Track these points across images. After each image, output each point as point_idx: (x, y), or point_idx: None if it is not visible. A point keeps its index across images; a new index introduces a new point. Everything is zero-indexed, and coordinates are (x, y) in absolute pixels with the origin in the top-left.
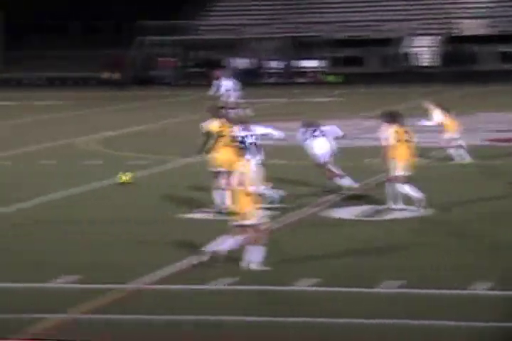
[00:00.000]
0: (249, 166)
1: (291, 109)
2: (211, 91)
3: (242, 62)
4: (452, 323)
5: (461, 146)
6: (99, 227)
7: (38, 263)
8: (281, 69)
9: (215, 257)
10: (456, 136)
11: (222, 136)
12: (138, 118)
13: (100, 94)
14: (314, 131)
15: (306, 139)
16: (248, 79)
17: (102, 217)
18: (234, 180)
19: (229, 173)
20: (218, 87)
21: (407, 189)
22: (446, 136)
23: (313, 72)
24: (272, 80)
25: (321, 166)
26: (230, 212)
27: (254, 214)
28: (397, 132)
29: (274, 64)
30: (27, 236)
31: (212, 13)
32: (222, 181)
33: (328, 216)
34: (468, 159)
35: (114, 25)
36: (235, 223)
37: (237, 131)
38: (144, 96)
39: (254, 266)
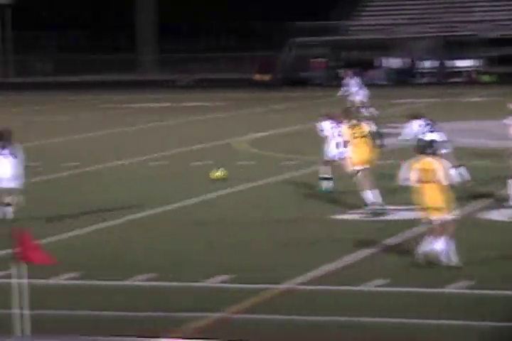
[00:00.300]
0: (436, 162)
1: (445, 108)
2: (341, 92)
3: (395, 62)
4: None
5: None
6: (251, 228)
7: (192, 263)
8: (435, 68)
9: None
10: None
11: (357, 137)
12: (289, 119)
13: (252, 96)
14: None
15: (425, 132)
16: (401, 78)
17: (254, 217)
18: (413, 176)
19: (366, 171)
20: (347, 87)
21: None
22: None
23: (468, 71)
24: (425, 80)
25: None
26: (422, 208)
27: (449, 208)
28: None
29: (427, 64)
30: (181, 236)
31: (364, 13)
32: (365, 180)
33: (481, 217)
34: None
35: (266, 27)
36: (435, 220)
37: (369, 128)
38: (296, 98)
39: (454, 261)
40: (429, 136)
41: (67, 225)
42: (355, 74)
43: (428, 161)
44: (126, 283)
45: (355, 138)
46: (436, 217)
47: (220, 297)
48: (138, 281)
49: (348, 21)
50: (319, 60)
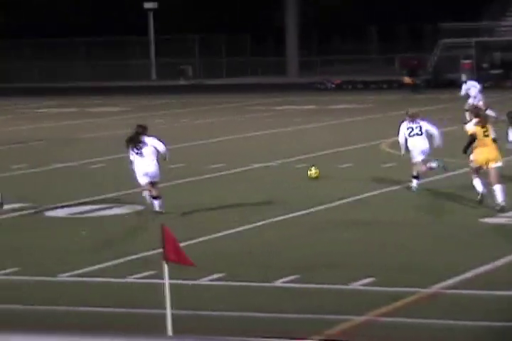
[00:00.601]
0: None
1: None
2: (461, 92)
3: None
4: None
5: None
6: (400, 229)
7: (337, 265)
8: None
9: None
10: None
11: (486, 136)
12: (438, 121)
13: (400, 97)
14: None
15: None
16: None
17: (403, 219)
18: None
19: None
20: (466, 88)
21: None
22: None
23: None
24: None
25: None
26: None
27: None
28: None
29: None
30: (324, 237)
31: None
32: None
33: None
34: None
35: (414, 28)
36: None
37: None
38: (444, 99)
39: None
40: None
41: (211, 227)
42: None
43: None
44: (270, 284)
45: (484, 136)
46: None
47: (364, 299)
48: (281, 283)
49: (500, 22)
50: (467, 61)
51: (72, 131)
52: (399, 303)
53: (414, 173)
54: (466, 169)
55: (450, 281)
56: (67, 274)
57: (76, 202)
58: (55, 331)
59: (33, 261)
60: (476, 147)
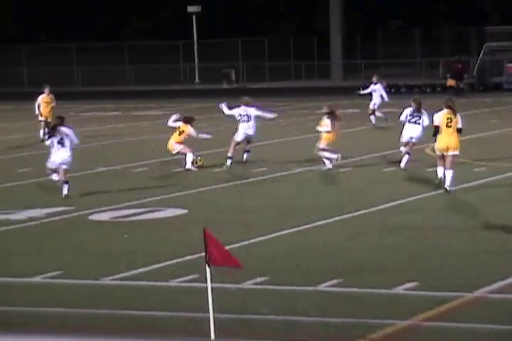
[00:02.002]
0: None
1: None
2: None
3: None
4: None
5: None
6: (442, 233)
7: (380, 269)
8: None
9: None
10: None
11: (449, 126)
12: (483, 125)
13: (443, 101)
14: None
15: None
16: None
17: (444, 223)
18: None
19: None
20: None
21: None
22: None
23: None
24: None
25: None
26: None
27: None
28: None
29: None
30: (367, 241)
31: None
32: None
33: None
34: None
35: (459, 32)
36: None
37: None
38: (490, 103)
39: None
40: None
41: (254, 231)
42: None
43: None
44: (313, 288)
45: (447, 127)
46: None
47: (408, 304)
48: (324, 287)
49: None
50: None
51: (115, 134)
52: (443, 308)
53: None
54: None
55: (495, 286)
56: (110, 278)
57: (119, 205)
58: (96, 334)
59: (76, 264)
60: (439, 135)
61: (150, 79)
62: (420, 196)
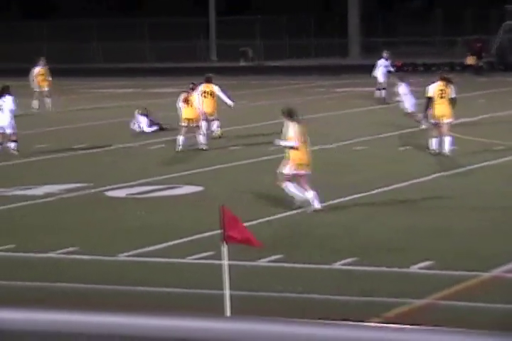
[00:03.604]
0: None
1: None
2: None
3: None
4: None
5: None
6: (458, 213)
7: (396, 248)
8: None
9: None
10: None
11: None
12: (501, 104)
13: (461, 80)
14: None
15: None
16: None
17: (460, 203)
18: None
19: None
20: None
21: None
22: None
23: None
24: None
25: None
26: None
27: None
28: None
29: None
30: (383, 220)
31: None
32: None
33: None
34: None
35: (479, 11)
36: None
37: None
38: (509, 82)
39: None
40: None
41: (270, 208)
42: None
43: None
44: (328, 266)
45: (440, 98)
46: None
47: (424, 283)
48: (340, 265)
49: None
50: None
51: (132, 111)
52: (459, 287)
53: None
54: None
55: (511, 265)
56: (126, 254)
57: (136, 182)
58: (111, 310)
59: (92, 241)
60: (434, 105)
61: (167, 57)
62: (437, 175)
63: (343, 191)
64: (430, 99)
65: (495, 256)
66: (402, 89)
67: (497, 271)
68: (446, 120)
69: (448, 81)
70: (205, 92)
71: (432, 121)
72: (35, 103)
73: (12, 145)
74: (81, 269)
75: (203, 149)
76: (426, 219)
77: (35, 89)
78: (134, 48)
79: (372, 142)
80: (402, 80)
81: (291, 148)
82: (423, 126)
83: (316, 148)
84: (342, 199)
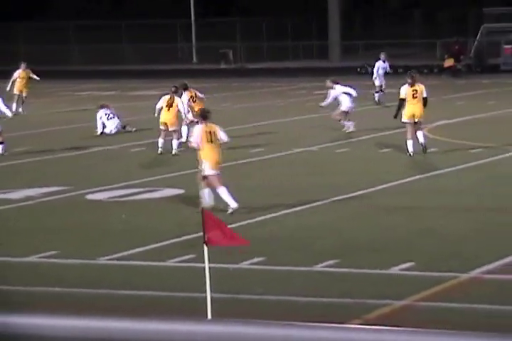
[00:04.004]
0: None
1: None
2: None
3: None
4: None
5: None
6: (439, 214)
7: (376, 250)
8: None
9: None
10: None
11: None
12: (480, 106)
13: (440, 83)
14: None
15: None
16: None
17: (441, 204)
18: None
19: None
20: None
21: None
22: None
23: None
24: None
25: None
26: None
27: None
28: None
29: None
30: (369, 221)
31: None
32: None
33: None
34: None
35: (458, 13)
36: None
37: None
38: (485, 84)
39: None
40: None
41: (251, 211)
42: None
43: None
44: (310, 268)
45: (413, 98)
46: None
47: (404, 284)
48: (321, 267)
49: None
50: (509, 46)
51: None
52: (439, 288)
53: None
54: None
55: (490, 266)
56: (107, 257)
57: (116, 185)
58: (93, 314)
59: (73, 244)
60: (407, 105)
61: (147, 59)
62: (417, 177)
63: (325, 193)
64: (403, 101)
65: (476, 257)
66: (340, 89)
67: (478, 272)
68: (418, 119)
69: (418, 81)
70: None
71: (407, 120)
72: (13, 106)
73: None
74: (62, 273)
75: (175, 154)
76: (407, 220)
77: (14, 92)
78: (114, 50)
79: (354, 144)
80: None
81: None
82: (350, 129)
83: (299, 150)
84: (324, 202)
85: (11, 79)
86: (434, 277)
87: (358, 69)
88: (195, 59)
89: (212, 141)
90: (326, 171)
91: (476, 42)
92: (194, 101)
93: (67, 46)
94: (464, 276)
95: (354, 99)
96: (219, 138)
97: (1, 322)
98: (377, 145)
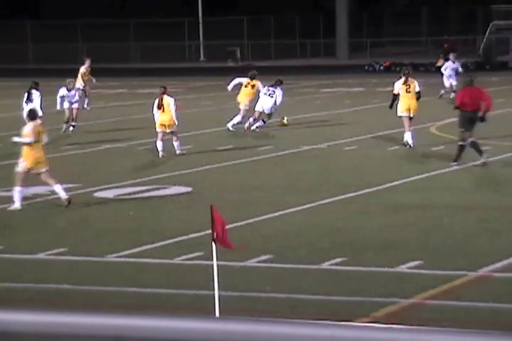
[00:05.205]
0: None
1: None
2: None
3: None
4: None
5: None
6: (447, 212)
7: (384, 248)
8: None
9: None
10: None
11: (408, 92)
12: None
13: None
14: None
15: None
16: None
17: (448, 202)
18: None
19: None
20: None
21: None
22: None
23: None
24: None
25: None
26: None
27: None
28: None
29: None
30: (372, 220)
31: None
32: None
33: None
34: None
35: (466, 10)
36: None
37: None
38: (496, 82)
39: None
40: None
41: (259, 209)
42: None
43: None
44: (317, 266)
45: (406, 92)
46: None
47: (412, 282)
48: (328, 265)
49: None
50: None
51: (120, 112)
52: (446, 286)
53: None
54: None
55: (499, 264)
56: (114, 255)
57: (124, 183)
58: (101, 311)
59: (81, 242)
60: (401, 100)
61: (155, 57)
62: (425, 175)
63: (333, 190)
64: (396, 96)
65: (483, 256)
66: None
67: (486, 270)
68: (412, 114)
69: (411, 76)
70: (248, 83)
71: (403, 114)
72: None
73: None
74: (70, 270)
75: (183, 154)
76: (415, 218)
77: (78, 87)
78: (122, 48)
79: (362, 142)
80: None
81: (27, 144)
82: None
83: (307, 147)
84: (331, 199)
85: (79, 74)
86: (442, 275)
87: (366, 67)
88: (202, 57)
89: (39, 141)
90: (334, 169)
91: (484, 40)
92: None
93: (76, 44)
94: (472, 274)
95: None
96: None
97: (4, 320)
98: (385, 143)
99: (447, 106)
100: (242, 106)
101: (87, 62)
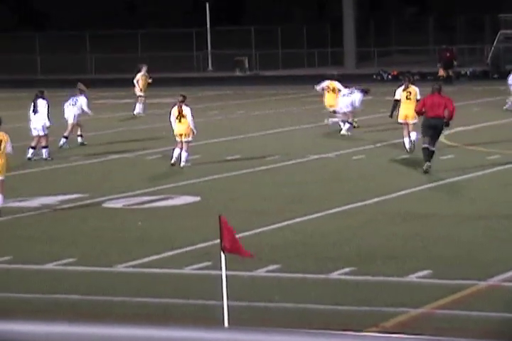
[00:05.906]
0: None
1: None
2: None
3: None
4: None
5: None
6: (455, 221)
7: (393, 257)
8: None
9: None
10: None
11: (408, 99)
12: (495, 113)
13: (456, 89)
14: None
15: None
16: None
17: (457, 211)
18: None
19: None
20: None
21: None
22: None
23: None
24: None
25: None
26: None
27: None
28: None
29: None
30: (380, 229)
31: None
32: None
33: None
34: None
35: (473, 19)
36: None
37: None
38: (504, 91)
39: None
40: None
41: (267, 218)
42: None
43: None
44: (326, 276)
45: (406, 99)
46: None
47: (421, 292)
48: (337, 275)
49: None
50: None
51: (127, 122)
52: (456, 296)
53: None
54: None
55: (508, 274)
56: (124, 265)
57: (133, 193)
58: (110, 321)
59: (90, 252)
60: (401, 106)
61: (163, 67)
62: (434, 184)
63: (340, 200)
64: (397, 102)
65: (492, 265)
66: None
67: (495, 280)
68: (411, 120)
69: (413, 84)
70: (328, 88)
71: (400, 121)
72: (140, 107)
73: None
74: (78, 280)
75: (183, 167)
76: (423, 227)
77: (139, 93)
78: (129, 59)
79: (370, 151)
80: None
81: None
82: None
83: (315, 157)
84: (339, 209)
85: (135, 81)
86: (451, 285)
87: (374, 76)
88: (210, 67)
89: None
90: (342, 178)
91: (492, 49)
92: (328, 93)
93: (83, 55)
94: (482, 284)
95: None
96: (6, 147)
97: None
98: (393, 152)
99: (456, 115)
100: (337, 109)
101: (143, 69)
